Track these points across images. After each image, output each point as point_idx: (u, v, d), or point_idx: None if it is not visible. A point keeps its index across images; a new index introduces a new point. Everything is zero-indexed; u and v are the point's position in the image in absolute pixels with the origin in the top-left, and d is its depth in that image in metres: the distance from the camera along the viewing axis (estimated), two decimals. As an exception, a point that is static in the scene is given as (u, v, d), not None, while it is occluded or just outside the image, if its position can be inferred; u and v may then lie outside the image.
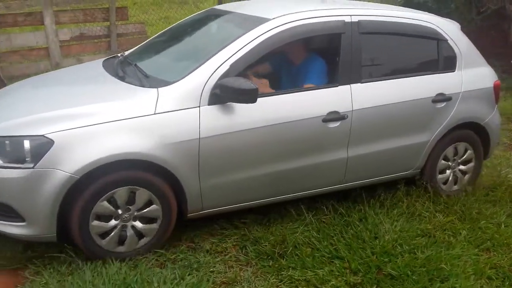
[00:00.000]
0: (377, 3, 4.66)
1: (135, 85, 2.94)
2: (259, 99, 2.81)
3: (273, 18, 3.07)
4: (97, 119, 2.64)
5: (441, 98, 3.51)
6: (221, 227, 3.20)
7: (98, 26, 6.84)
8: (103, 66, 3.45)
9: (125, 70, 3.23)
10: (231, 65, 2.86)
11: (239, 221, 3.25)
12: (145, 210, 2.81)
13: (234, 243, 3.07)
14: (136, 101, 2.78)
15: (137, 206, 2.78)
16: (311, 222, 3.24)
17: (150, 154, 2.68)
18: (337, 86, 3.19)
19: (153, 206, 2.81)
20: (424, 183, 3.69)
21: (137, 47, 3.90)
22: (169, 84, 2.84)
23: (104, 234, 2.76)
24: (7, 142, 2.60)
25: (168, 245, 3.00)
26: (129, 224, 2.80)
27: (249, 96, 2.76)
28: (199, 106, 2.80)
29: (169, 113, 2.75)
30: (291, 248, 2.96)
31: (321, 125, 3.10)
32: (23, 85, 3.54)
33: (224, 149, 2.87)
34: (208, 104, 2.81)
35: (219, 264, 2.86)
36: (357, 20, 3.25)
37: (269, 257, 2.92)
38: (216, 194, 2.97)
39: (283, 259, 2.89)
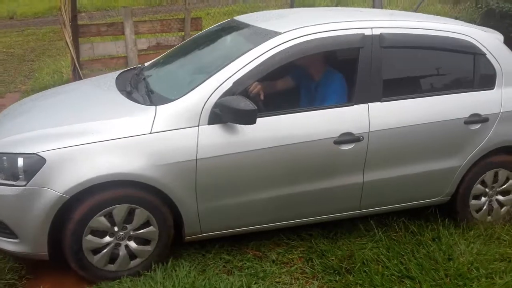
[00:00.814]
0: (416, 13, 4.40)
1: (138, 102, 2.87)
2: (263, 119, 2.72)
3: (284, 32, 2.88)
4: (91, 138, 2.58)
5: (476, 119, 3.12)
6: (287, 237, 3.19)
7: (174, 36, 7.10)
8: (116, 79, 3.42)
9: (135, 84, 3.19)
10: (235, 83, 2.70)
11: (305, 233, 3.22)
12: (141, 231, 2.73)
13: (300, 255, 3.05)
14: (134, 119, 2.68)
15: (133, 225, 2.70)
16: (380, 239, 3.14)
17: (140, 174, 2.57)
18: (352, 105, 2.92)
19: (150, 228, 2.73)
20: (455, 211, 3.35)
21: (155, 59, 3.82)
22: (168, 102, 2.73)
23: (96, 251, 2.70)
24: (4, 158, 2.59)
25: (235, 252, 3.04)
26: (123, 243, 2.72)
27: (248, 118, 2.59)
28: (198, 126, 2.65)
29: (166, 132, 2.63)
30: (359, 264, 2.89)
31: (332, 147, 2.85)
32: (34, 99, 3.56)
33: (224, 171, 2.72)
34: (208, 124, 2.67)
35: (285, 275, 2.85)
36: (378, 33, 2.97)
37: (336, 272, 2.87)
38: (215, 217, 2.84)
39: (351, 275, 2.83)
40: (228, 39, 3.43)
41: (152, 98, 2.87)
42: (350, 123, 2.88)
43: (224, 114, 2.62)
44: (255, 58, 2.76)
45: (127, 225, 2.70)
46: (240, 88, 2.72)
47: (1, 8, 13.99)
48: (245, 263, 2.94)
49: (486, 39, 3.25)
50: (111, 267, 2.75)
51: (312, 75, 3.31)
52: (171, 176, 2.62)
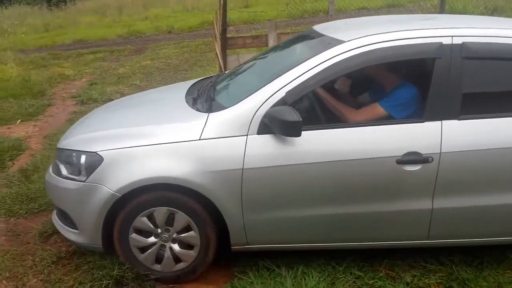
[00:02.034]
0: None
1: (197, 109, 2.89)
2: (318, 131, 2.59)
3: (348, 41, 2.67)
4: (146, 141, 2.66)
5: None
6: (425, 260, 2.99)
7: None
8: (192, 85, 3.52)
9: (203, 91, 3.21)
10: (288, 92, 2.58)
11: (446, 258, 2.99)
12: (183, 235, 2.76)
13: (438, 281, 2.83)
14: (186, 125, 2.72)
15: (175, 228, 2.75)
16: (536, 274, 2.78)
17: (187, 180, 2.59)
18: (423, 122, 2.61)
19: (191, 233, 2.74)
20: None
21: (234, 67, 3.74)
22: (221, 110, 2.72)
23: (143, 249, 2.82)
24: (74, 154, 2.82)
25: (367, 268, 2.95)
26: (167, 245, 2.80)
27: (292, 130, 2.47)
28: (247, 135, 2.59)
29: (215, 139, 2.61)
30: (507, 300, 2.59)
31: (394, 167, 2.56)
32: (116, 102, 3.84)
33: (272, 184, 2.61)
34: (257, 133, 2.59)
35: (420, 300, 2.68)
36: (460, 42, 2.60)
37: (479, 304, 2.61)
38: (262, 230, 2.74)
39: (496, 310, 2.55)
40: (297, 49, 3.27)
41: (210, 106, 2.88)
42: (417, 142, 2.58)
43: (272, 124, 2.54)
44: (312, 68, 2.62)
45: (170, 228, 2.77)
46: (293, 98, 2.60)
47: (162, 23, 15.66)
48: (377, 282, 2.83)
49: None
50: (158, 267, 2.86)
51: (383, 86, 3.05)
52: (217, 183, 2.60)
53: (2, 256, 3.17)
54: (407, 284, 2.81)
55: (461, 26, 2.78)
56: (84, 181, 2.72)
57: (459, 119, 2.60)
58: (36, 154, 5.05)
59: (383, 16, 3.70)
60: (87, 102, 7.19)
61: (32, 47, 13.67)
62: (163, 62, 10.10)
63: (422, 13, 11.24)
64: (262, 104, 2.60)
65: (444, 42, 2.62)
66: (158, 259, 2.86)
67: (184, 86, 3.64)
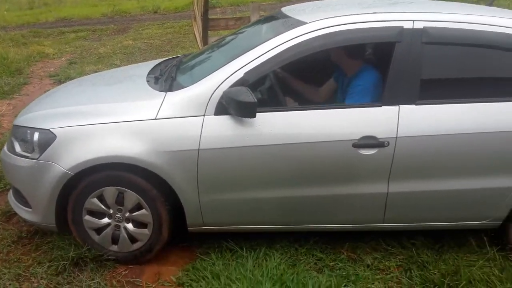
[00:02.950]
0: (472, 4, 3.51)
1: (156, 88, 2.85)
2: (275, 113, 2.58)
3: (310, 22, 2.63)
4: (100, 120, 2.63)
5: None
6: (387, 243, 3.01)
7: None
8: (158, 64, 3.48)
9: (166, 71, 3.16)
10: (247, 73, 2.55)
11: (407, 241, 3.01)
12: (135, 213, 2.74)
13: (399, 264, 2.85)
14: (143, 104, 2.68)
15: (126, 207, 2.73)
16: (494, 258, 2.79)
17: (141, 159, 2.55)
18: (380, 106, 2.59)
19: (142, 211, 2.72)
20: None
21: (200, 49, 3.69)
22: (179, 89, 2.69)
23: (98, 230, 2.80)
24: (28, 131, 2.75)
25: (329, 250, 2.95)
26: (122, 225, 2.78)
27: (247, 111, 2.44)
28: (204, 115, 2.56)
29: (171, 119, 2.57)
30: (464, 282, 2.60)
31: (350, 151, 2.55)
32: (79, 80, 3.84)
33: (227, 165, 2.59)
34: (215, 114, 2.56)
35: (378, 282, 2.70)
36: (421, 27, 2.57)
37: (436, 287, 2.63)
38: (218, 211, 2.73)
39: (453, 293, 2.57)
40: (262, 30, 3.21)
41: (170, 85, 2.83)
42: (374, 126, 2.56)
43: (228, 105, 2.50)
44: (272, 49, 2.58)
45: (122, 207, 2.74)
46: (252, 79, 2.56)
47: (148, 3, 15.41)
48: (338, 264, 2.85)
49: None
50: (115, 247, 2.84)
51: (345, 70, 3.04)
52: (172, 164, 2.57)
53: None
54: (368, 266, 2.83)
55: (424, 11, 2.73)
56: (36, 159, 2.67)
57: (416, 104, 2.57)
58: (6, 133, 4.96)
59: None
60: (65, 81, 7.06)
61: (14, 24, 13.38)
62: (145, 42, 9.94)
63: None
64: (219, 85, 2.57)
65: (405, 26, 2.58)
66: (115, 240, 2.83)
67: (150, 65, 3.58)
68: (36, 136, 2.70)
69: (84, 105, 2.90)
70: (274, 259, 2.83)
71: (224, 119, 2.56)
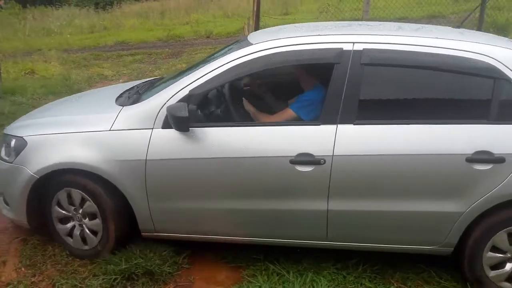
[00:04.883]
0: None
1: (118, 104, 3.09)
2: (216, 129, 2.75)
3: (255, 44, 2.80)
4: (65, 129, 2.95)
5: (484, 158, 2.50)
6: (439, 275, 2.93)
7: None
8: (136, 84, 3.75)
9: (139, 89, 3.40)
10: (191, 90, 2.74)
11: (460, 274, 2.90)
12: (83, 207, 3.00)
13: (451, 298, 2.76)
14: (101, 116, 2.96)
15: (75, 205, 3.01)
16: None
17: (94, 166, 2.80)
18: (318, 125, 2.65)
19: (88, 203, 2.96)
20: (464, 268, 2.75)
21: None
22: (134, 104, 2.93)
23: (71, 235, 3.11)
24: (9, 139, 3.12)
25: (378, 280, 2.90)
26: (82, 223, 3.05)
27: (180, 124, 2.64)
28: (152, 128, 2.76)
29: (123, 131, 2.81)
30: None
31: (288, 167, 2.61)
32: (72, 96, 4.26)
33: (172, 175, 2.77)
34: (162, 128, 2.75)
35: (429, 316, 2.61)
36: (360, 49, 2.63)
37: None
38: (167, 219, 2.91)
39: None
40: (222, 51, 3.29)
41: (132, 102, 3.04)
42: (311, 144, 2.62)
43: (169, 119, 2.68)
44: (216, 68, 2.77)
45: (76, 207, 3.04)
46: (196, 96, 2.74)
47: (201, 28, 15.92)
48: (386, 294, 2.79)
49: None
50: (87, 247, 3.12)
51: (303, 87, 3.19)
52: (123, 172, 2.79)
53: (25, 244, 3.31)
54: (418, 299, 2.76)
55: (368, 34, 2.79)
56: (11, 163, 3.02)
57: (354, 124, 2.61)
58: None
59: (324, 22, 3.77)
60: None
61: (76, 47, 14.18)
62: (198, 66, 10.23)
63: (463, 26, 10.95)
64: (167, 101, 2.77)
65: (344, 48, 2.65)
66: (84, 240, 3.11)
67: (136, 83, 3.92)
68: (13, 142, 3.08)
69: (56, 116, 3.29)
70: (322, 286, 2.81)
71: (170, 132, 2.74)
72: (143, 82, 3.89)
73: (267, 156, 2.65)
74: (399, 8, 11.63)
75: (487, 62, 2.56)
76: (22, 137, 3.04)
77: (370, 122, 2.62)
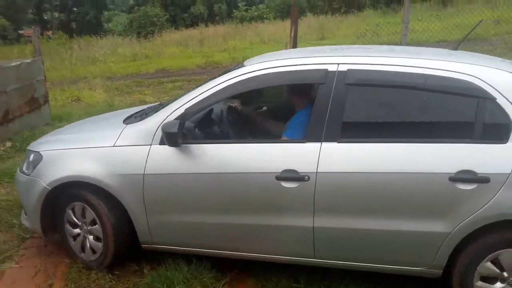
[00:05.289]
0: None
1: (125, 123, 3.26)
2: (208, 145, 2.87)
3: (248, 65, 2.96)
4: (76, 145, 3.20)
5: (467, 177, 2.45)
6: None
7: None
8: (151, 106, 3.91)
9: (150, 109, 3.53)
10: (187, 109, 2.88)
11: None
12: (91, 227, 3.21)
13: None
14: (107, 134, 3.17)
15: (87, 221, 3.22)
16: None
17: (98, 179, 2.99)
18: (304, 143, 2.71)
19: (96, 226, 3.17)
20: None
21: None
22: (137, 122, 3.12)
23: (74, 238, 3.34)
24: (32, 154, 3.37)
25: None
26: (87, 236, 3.27)
27: (170, 140, 2.78)
28: (150, 144, 2.92)
29: (125, 147, 2.99)
30: None
31: (274, 183, 2.67)
32: (94, 116, 4.58)
33: (168, 189, 2.90)
34: (159, 144, 2.89)
35: None
36: (345, 70, 2.69)
37: None
38: (165, 231, 3.03)
39: None
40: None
41: (136, 121, 3.20)
42: (296, 161, 2.68)
43: (162, 135, 2.84)
44: (210, 88, 2.91)
45: (85, 221, 3.23)
46: (191, 114, 2.91)
47: (238, 54, 16.22)
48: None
49: (501, 79, 2.57)
50: (83, 255, 3.34)
51: (295, 106, 3.28)
52: (123, 185, 2.96)
53: (70, 268, 3.41)
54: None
55: (351, 55, 2.90)
56: (29, 175, 3.28)
57: (338, 142, 2.65)
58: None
59: (326, 46, 3.96)
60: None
61: (119, 75, 14.75)
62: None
63: (505, 47, 10.69)
64: (165, 119, 2.93)
65: (329, 69, 2.73)
66: (83, 248, 3.33)
67: (147, 106, 4.10)
68: (31, 157, 3.35)
69: (70, 134, 3.59)
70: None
71: (165, 148, 2.88)
72: (154, 104, 4.05)
73: (254, 172, 2.74)
74: (438, 32, 11.52)
75: (471, 82, 2.55)
76: (39, 152, 3.31)
77: (354, 140, 2.66)
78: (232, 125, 3.36)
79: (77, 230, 3.32)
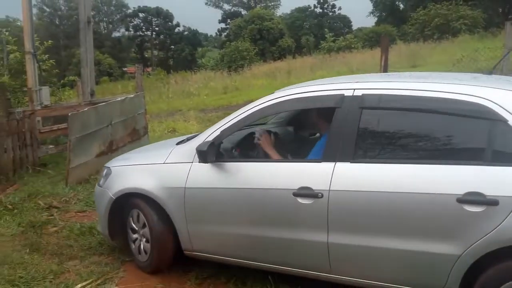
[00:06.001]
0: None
1: (178, 143, 3.68)
2: (236, 163, 3.17)
3: (275, 92, 3.29)
4: (136, 162, 3.75)
5: (475, 199, 2.38)
6: None
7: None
8: None
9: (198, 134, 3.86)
10: (222, 131, 3.22)
11: None
12: (143, 230, 3.61)
13: None
14: (161, 152, 3.61)
15: (139, 225, 3.64)
16: None
17: (150, 191, 3.42)
18: (320, 162, 2.86)
19: (146, 228, 3.56)
20: None
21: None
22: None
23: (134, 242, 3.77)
24: (104, 169, 3.95)
25: None
26: (143, 240, 3.65)
27: (202, 157, 3.14)
28: (192, 162, 3.26)
29: (173, 164, 3.41)
30: None
31: (291, 199, 2.85)
32: (162, 141, 5.00)
33: (202, 201, 3.23)
34: (199, 162, 3.21)
35: None
36: (360, 94, 2.83)
37: None
38: (201, 239, 3.33)
39: None
40: None
41: (186, 142, 3.62)
42: (311, 178, 2.84)
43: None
44: (243, 112, 3.24)
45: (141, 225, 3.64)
46: (225, 135, 3.24)
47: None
48: None
49: None
50: (139, 257, 3.72)
51: (321, 129, 3.54)
52: (169, 197, 3.35)
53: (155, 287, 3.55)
54: None
55: (368, 81, 3.05)
56: (101, 187, 3.83)
57: (351, 162, 2.74)
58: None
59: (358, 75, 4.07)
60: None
61: (212, 107, 15.47)
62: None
63: None
64: (205, 139, 3.27)
65: (346, 94, 2.89)
66: (139, 250, 3.72)
67: None
68: (105, 172, 3.91)
69: (137, 153, 4.22)
70: None
71: (204, 166, 3.22)
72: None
73: (275, 188, 2.96)
74: (544, 55, 10.60)
75: (482, 104, 2.52)
76: (109, 167, 3.89)
77: (367, 161, 2.75)
78: (256, 146, 3.62)
79: (135, 235, 3.74)
